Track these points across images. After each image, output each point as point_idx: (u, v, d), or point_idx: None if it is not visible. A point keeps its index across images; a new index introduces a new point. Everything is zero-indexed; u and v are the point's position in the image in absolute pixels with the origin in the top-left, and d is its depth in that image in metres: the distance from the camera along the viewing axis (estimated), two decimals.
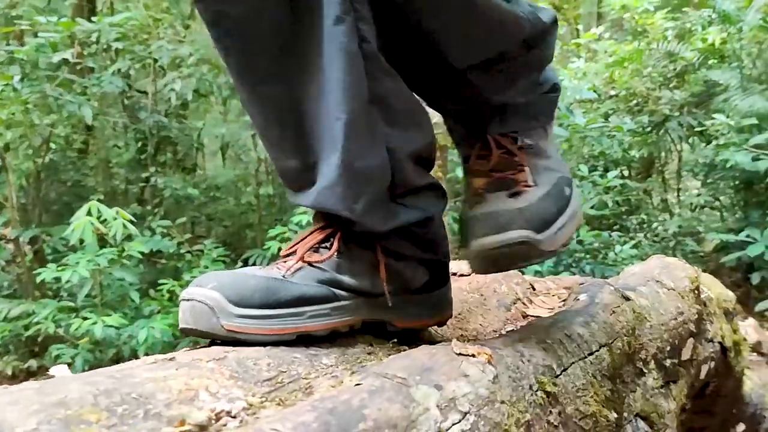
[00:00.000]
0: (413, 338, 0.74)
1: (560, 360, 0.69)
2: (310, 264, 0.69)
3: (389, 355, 0.62)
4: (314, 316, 0.65)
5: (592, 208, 3.70)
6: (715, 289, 1.51)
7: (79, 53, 3.65)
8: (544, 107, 0.82)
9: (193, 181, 4.89)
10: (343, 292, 0.70)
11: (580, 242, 3.50)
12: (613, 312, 0.90)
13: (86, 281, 3.05)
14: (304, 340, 0.63)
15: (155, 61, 4.34)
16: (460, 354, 0.55)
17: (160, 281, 3.41)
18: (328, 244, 0.71)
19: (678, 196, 5.36)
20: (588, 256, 3.49)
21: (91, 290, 3.28)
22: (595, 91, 5.56)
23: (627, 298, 0.97)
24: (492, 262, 0.69)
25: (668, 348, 1.03)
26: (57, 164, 4.82)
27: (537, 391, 0.60)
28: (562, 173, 0.77)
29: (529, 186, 0.71)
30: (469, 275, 1.18)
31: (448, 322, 0.83)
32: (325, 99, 0.65)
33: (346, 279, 0.70)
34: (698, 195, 4.66)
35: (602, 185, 3.63)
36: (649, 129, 4.61)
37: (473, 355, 0.56)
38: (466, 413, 0.48)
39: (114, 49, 4.26)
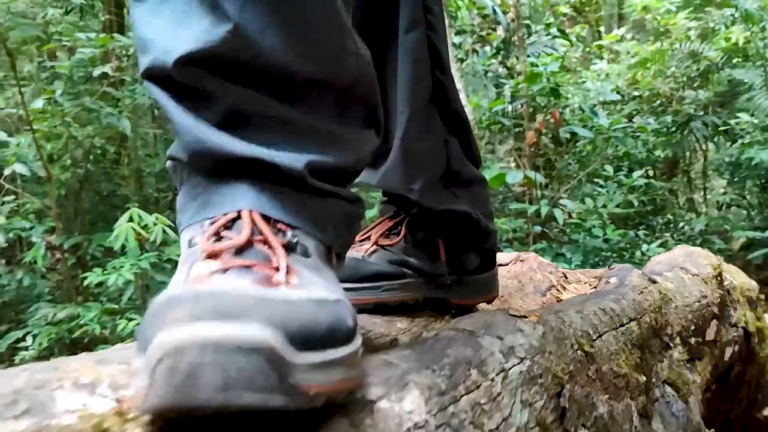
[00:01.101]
0: (466, 313, 0.86)
1: (596, 328, 0.80)
2: (382, 247, 0.80)
3: (450, 321, 0.74)
4: (388, 289, 0.76)
5: (617, 207, 3.78)
6: (738, 278, 1.60)
7: (117, 67, 3.83)
8: None
9: None
10: (409, 271, 0.80)
11: (606, 241, 3.58)
12: (641, 292, 1.01)
13: (130, 284, 3.21)
14: (379, 310, 0.75)
15: None
16: (514, 315, 0.67)
17: None
18: (396, 231, 0.82)
19: (704, 195, 5.40)
20: (614, 255, 3.57)
21: (131, 293, 3.45)
22: (618, 93, 5.64)
23: (654, 281, 1.08)
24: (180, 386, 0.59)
25: (692, 327, 1.14)
26: (92, 174, 5.03)
27: (577, 350, 0.72)
28: None
29: None
30: (507, 265, 1.30)
31: (494, 302, 0.95)
32: (397, 89, 0.79)
33: (412, 260, 0.81)
34: (724, 193, 4.71)
35: (627, 185, 3.72)
36: (673, 129, 4.68)
37: (525, 317, 0.68)
38: (522, 358, 0.60)
39: None
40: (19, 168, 3.87)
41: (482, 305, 0.92)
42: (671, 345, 1.03)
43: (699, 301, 1.19)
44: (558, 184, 4.89)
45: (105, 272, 3.19)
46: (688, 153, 5.12)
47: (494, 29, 5.30)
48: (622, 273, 1.08)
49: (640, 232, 3.91)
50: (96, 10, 4.52)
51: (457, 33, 5.21)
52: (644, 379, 0.86)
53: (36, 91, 4.43)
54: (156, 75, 0.50)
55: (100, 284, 3.45)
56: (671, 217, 4.99)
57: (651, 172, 5.06)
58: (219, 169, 0.49)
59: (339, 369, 0.38)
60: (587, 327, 0.78)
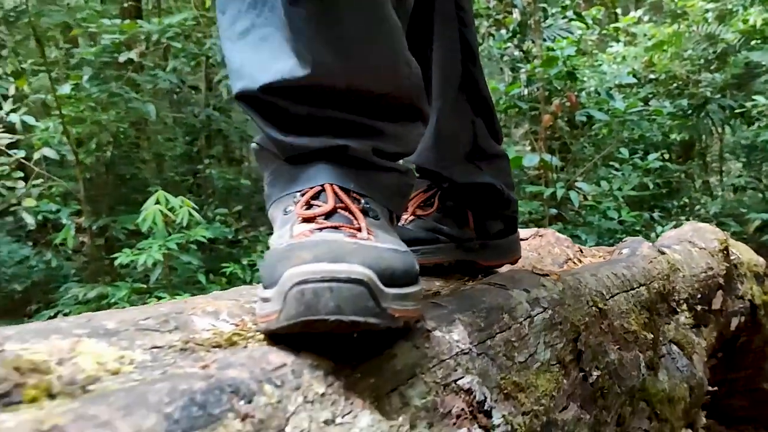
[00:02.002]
0: (492, 274, 0.98)
1: (608, 289, 0.92)
2: (418, 217, 0.91)
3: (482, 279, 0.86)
4: (424, 253, 0.85)
5: (632, 189, 3.87)
6: (746, 254, 1.70)
7: (141, 53, 3.95)
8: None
9: (243, 173, 5.19)
10: (442, 237, 0.90)
11: (621, 223, 3.68)
12: (651, 261, 1.12)
13: (158, 264, 3.36)
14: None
15: (208, 58, 4.64)
16: (538, 274, 0.79)
17: (223, 265, 3.71)
18: (430, 202, 0.93)
19: (721, 178, 5.46)
20: (629, 236, 3.66)
21: (159, 273, 3.60)
22: (634, 76, 5.68)
23: (663, 253, 1.19)
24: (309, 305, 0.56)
25: (699, 295, 1.25)
26: (115, 158, 5.18)
27: (592, 306, 0.83)
28: None
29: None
30: (526, 239, 1.41)
31: (516, 264, 1.07)
32: (433, 79, 0.90)
33: (445, 228, 0.91)
34: (739, 176, 4.77)
35: (642, 168, 3.80)
36: (689, 112, 4.73)
37: (547, 275, 0.79)
38: (545, 308, 0.72)
39: (164, 47, 4.59)
40: (47, 152, 4.02)
41: (507, 266, 1.04)
42: (678, 310, 1.14)
43: (705, 272, 1.30)
44: (574, 167, 4.97)
45: (135, 252, 3.34)
46: (704, 136, 5.17)
47: (510, 12, 5.36)
48: (633, 245, 1.20)
49: (655, 215, 3.99)
50: None
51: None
52: (652, 336, 0.97)
53: (61, 76, 4.58)
54: (246, 96, 0.63)
55: (125, 265, 3.60)
56: (687, 200, 5.06)
57: (667, 155, 5.13)
58: (300, 157, 0.62)
59: (412, 301, 0.50)
60: (601, 288, 0.90)
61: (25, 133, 4.32)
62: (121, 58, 3.67)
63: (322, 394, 0.42)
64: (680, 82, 5.67)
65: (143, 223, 3.37)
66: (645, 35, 6.71)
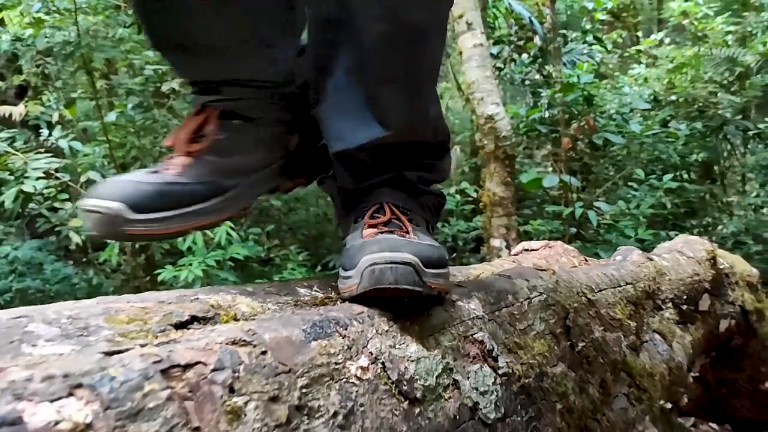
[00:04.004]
0: None
1: (597, 285, 1.17)
2: (192, 155, 0.83)
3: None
4: (208, 212, 0.82)
5: (650, 208, 4.09)
6: (740, 266, 1.94)
7: (182, 82, 4.30)
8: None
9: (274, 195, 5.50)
10: (231, 182, 0.84)
11: (639, 241, 3.90)
12: (639, 266, 1.37)
13: (198, 280, 3.66)
14: None
15: None
16: (538, 269, 1.05)
17: (257, 281, 4.00)
18: (205, 131, 0.85)
19: (740, 198, 5.64)
20: None
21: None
22: (655, 98, 5.91)
23: (651, 259, 1.44)
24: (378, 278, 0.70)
25: (684, 296, 1.49)
26: None
27: (581, 296, 1.09)
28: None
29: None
30: (537, 250, 1.67)
31: None
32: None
33: (230, 162, 0.84)
34: (756, 196, 4.95)
35: (659, 188, 4.02)
36: (707, 133, 4.95)
37: (545, 269, 1.05)
38: (542, 293, 0.98)
39: None
40: (93, 175, 4.37)
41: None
42: (663, 307, 1.38)
43: (691, 277, 1.54)
44: (595, 187, 5.20)
45: (176, 268, 3.65)
46: (722, 157, 5.36)
47: (531, 38, 5.64)
48: (625, 252, 1.45)
49: (672, 233, 4.20)
50: None
51: (495, 43, 5.57)
52: (635, 325, 1.22)
53: (104, 104, 4.96)
54: (343, 153, 0.92)
55: (164, 282, 3.91)
56: (709, 219, 5.25)
57: (686, 175, 5.33)
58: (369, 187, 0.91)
59: (443, 279, 0.76)
60: (591, 283, 1.15)
61: (71, 158, 4.69)
62: (164, 88, 4.02)
63: (387, 330, 0.69)
64: (700, 104, 5.89)
65: (183, 243, 3.69)
66: (667, 57, 6.95)
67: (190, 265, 3.64)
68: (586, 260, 1.74)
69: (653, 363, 1.22)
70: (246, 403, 0.51)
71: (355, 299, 0.73)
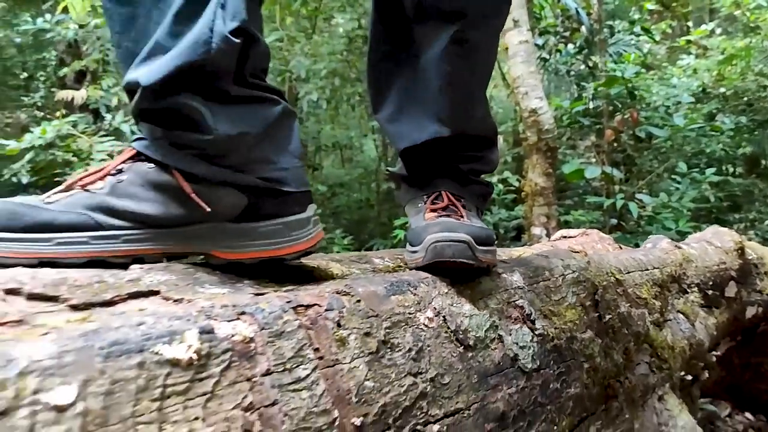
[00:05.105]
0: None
1: (626, 267, 1.34)
2: (83, 188, 0.74)
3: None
4: (64, 243, 0.70)
5: (692, 202, 4.18)
6: None
7: None
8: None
9: (318, 179, 5.74)
10: (112, 220, 0.72)
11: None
12: (667, 253, 1.53)
13: None
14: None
15: (291, 74, 5.21)
16: (572, 251, 1.22)
17: None
18: (113, 169, 0.76)
19: None
20: None
21: None
22: (704, 90, 5.93)
23: (679, 247, 1.60)
24: (439, 252, 0.86)
25: (710, 283, 1.64)
26: None
27: (610, 276, 1.26)
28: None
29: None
30: (574, 237, 1.83)
31: None
32: None
33: (123, 204, 0.73)
34: None
35: (701, 181, 4.10)
36: (754, 127, 4.97)
37: (578, 252, 1.22)
38: (574, 271, 1.15)
39: None
40: None
41: None
42: (688, 291, 1.54)
43: (718, 265, 1.69)
44: (638, 179, 5.28)
45: None
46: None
47: (577, 29, 5.72)
48: (655, 240, 1.61)
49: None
50: None
51: (541, 33, 5.67)
52: (660, 304, 1.39)
53: None
54: (408, 151, 1.11)
55: None
56: (755, 214, 5.28)
57: (732, 169, 5.36)
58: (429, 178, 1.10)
59: (491, 255, 0.95)
60: (619, 265, 1.32)
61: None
62: None
63: (446, 292, 0.88)
64: (750, 96, 5.88)
65: None
66: (717, 48, 6.92)
67: None
68: (620, 248, 1.89)
69: (675, 338, 1.38)
70: (348, 335, 0.70)
71: (420, 268, 0.92)
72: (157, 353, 0.54)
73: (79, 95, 5.75)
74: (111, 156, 4.72)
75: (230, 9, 0.73)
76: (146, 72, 0.73)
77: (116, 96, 5.60)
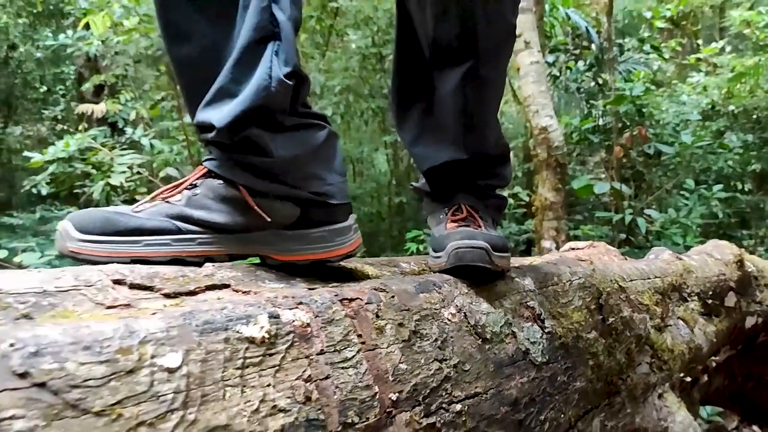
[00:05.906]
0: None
1: (629, 276, 1.46)
2: (164, 200, 0.89)
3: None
4: (151, 244, 0.84)
5: (700, 218, 4.29)
6: None
7: None
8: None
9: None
10: (189, 226, 0.86)
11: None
12: (668, 263, 1.66)
13: None
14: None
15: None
16: (579, 259, 1.35)
17: None
18: (189, 184, 0.91)
19: None
20: None
21: None
22: (713, 107, 6.05)
23: (680, 258, 1.72)
24: (460, 257, 1.00)
25: (710, 292, 1.76)
26: None
27: (614, 283, 1.38)
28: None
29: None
30: (582, 249, 1.96)
31: None
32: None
33: (197, 213, 0.87)
34: None
35: (708, 197, 4.22)
36: (762, 144, 5.09)
37: (584, 260, 1.35)
38: (581, 277, 1.28)
39: None
40: (171, 171, 4.83)
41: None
42: (688, 299, 1.66)
43: (717, 276, 1.81)
44: (646, 195, 5.40)
45: None
46: None
47: (587, 47, 5.86)
48: (658, 252, 1.73)
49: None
50: None
51: (551, 51, 5.82)
52: (660, 310, 1.51)
53: (184, 106, 5.43)
54: (430, 171, 1.25)
55: None
56: (766, 230, 5.38)
57: (740, 186, 5.47)
58: (449, 193, 1.24)
59: (506, 260, 1.08)
60: (623, 273, 1.45)
61: (150, 154, 5.17)
62: None
63: (467, 292, 1.02)
64: (759, 114, 5.99)
65: None
66: (726, 66, 7.04)
67: None
68: (626, 259, 2.02)
69: (675, 342, 1.51)
70: (385, 325, 0.84)
71: (444, 271, 1.06)
72: (238, 332, 0.67)
73: (99, 109, 5.95)
74: (131, 168, 4.89)
75: (283, 56, 0.87)
76: (218, 115, 0.86)
77: (135, 110, 5.79)
